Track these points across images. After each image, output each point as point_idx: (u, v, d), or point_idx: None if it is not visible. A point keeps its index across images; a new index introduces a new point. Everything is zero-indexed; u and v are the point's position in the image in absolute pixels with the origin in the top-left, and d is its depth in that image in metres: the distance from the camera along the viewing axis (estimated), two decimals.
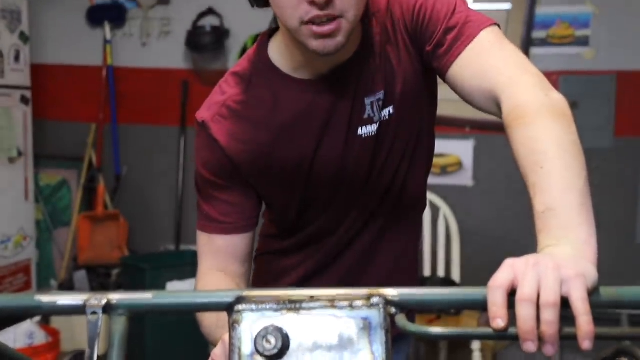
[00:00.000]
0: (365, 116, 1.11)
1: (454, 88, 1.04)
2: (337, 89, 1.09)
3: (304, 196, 1.16)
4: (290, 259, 1.27)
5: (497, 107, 0.96)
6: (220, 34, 3.61)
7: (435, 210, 3.04)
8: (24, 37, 3.50)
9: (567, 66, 3.40)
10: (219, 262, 1.15)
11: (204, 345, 3.62)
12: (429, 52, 1.06)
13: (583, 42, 3.38)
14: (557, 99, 0.92)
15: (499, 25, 1.05)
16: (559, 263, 0.67)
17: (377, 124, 1.12)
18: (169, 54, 3.77)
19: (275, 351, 0.70)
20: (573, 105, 3.36)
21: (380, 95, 1.10)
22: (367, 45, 1.10)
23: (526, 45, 3.37)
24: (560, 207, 0.77)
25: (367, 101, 1.10)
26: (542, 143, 0.84)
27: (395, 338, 1.13)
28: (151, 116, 3.87)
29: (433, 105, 1.22)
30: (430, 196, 2.94)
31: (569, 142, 0.85)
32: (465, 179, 3.45)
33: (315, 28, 0.96)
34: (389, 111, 1.12)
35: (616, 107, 3.38)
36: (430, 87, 1.16)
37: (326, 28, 0.96)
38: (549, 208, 0.77)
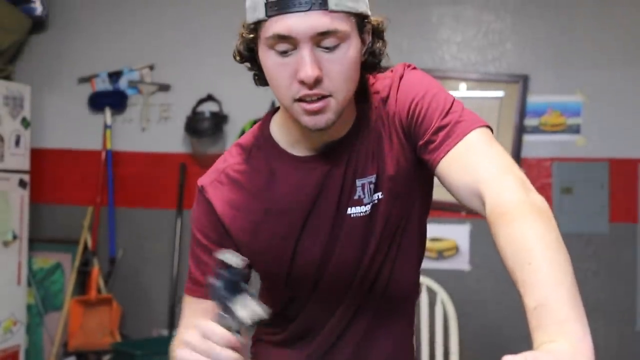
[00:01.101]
0: (356, 197, 1.14)
1: (442, 182, 1.08)
2: (329, 166, 1.13)
3: (289, 274, 1.17)
4: (284, 350, 1.26)
5: (481, 204, 0.99)
6: (219, 119, 3.68)
7: (432, 295, 3.01)
8: (25, 123, 3.56)
9: (560, 153, 3.46)
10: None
11: None
12: (421, 146, 1.10)
13: (574, 129, 3.45)
14: (538, 198, 0.94)
15: (490, 128, 1.09)
16: None
17: (368, 206, 1.14)
18: (167, 138, 3.83)
19: None
20: (567, 191, 3.42)
21: (372, 178, 1.14)
22: (362, 126, 1.15)
23: (519, 132, 3.43)
24: (553, 302, 0.78)
25: (359, 182, 1.14)
26: (527, 241, 0.86)
27: None
28: (148, 199, 3.88)
29: (427, 195, 1.24)
30: (427, 281, 2.92)
31: (552, 239, 0.86)
32: (462, 263, 3.44)
33: (305, 105, 1.02)
34: (379, 196, 1.15)
35: (610, 194, 3.41)
36: (424, 177, 1.20)
37: (315, 105, 1.02)
38: (541, 304, 0.78)
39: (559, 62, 3.46)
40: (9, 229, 3.45)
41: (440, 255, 3.43)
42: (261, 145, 1.18)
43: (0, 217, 3.40)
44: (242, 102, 3.67)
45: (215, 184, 1.18)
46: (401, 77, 1.15)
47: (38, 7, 3.81)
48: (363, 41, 1.07)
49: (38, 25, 3.89)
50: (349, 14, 1.01)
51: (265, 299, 1.29)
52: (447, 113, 1.08)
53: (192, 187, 3.77)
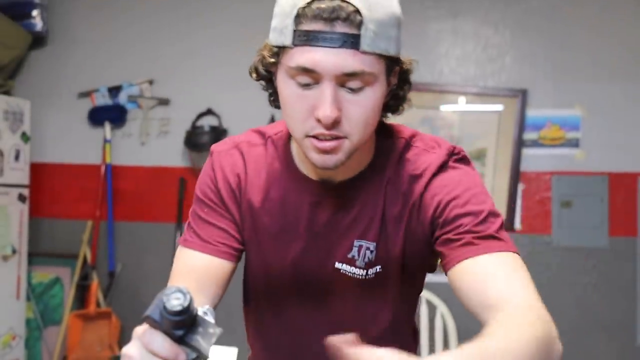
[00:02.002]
0: (349, 256, 1.10)
1: (451, 284, 1.01)
2: (330, 204, 1.10)
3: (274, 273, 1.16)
4: None
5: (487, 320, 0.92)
6: (218, 133, 3.69)
7: (432, 309, 3.00)
8: (25, 137, 3.56)
9: (559, 167, 3.46)
10: (189, 286, 1.06)
11: None
12: (441, 239, 1.04)
13: (574, 143, 3.45)
14: (552, 329, 0.86)
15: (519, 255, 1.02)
16: None
17: (361, 271, 1.10)
18: (167, 152, 3.83)
19: None
20: (567, 205, 3.42)
21: (371, 246, 1.09)
22: (376, 177, 1.09)
23: (518, 146, 3.44)
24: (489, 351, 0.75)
25: (357, 243, 1.10)
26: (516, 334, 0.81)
27: None
28: (148, 213, 3.87)
29: (432, 267, 1.20)
30: (427, 295, 2.91)
31: (534, 346, 0.80)
32: None
33: (317, 143, 0.97)
34: (377, 269, 1.11)
35: (609, 207, 3.41)
36: (430, 259, 1.14)
37: (327, 144, 0.96)
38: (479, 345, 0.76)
39: (558, 76, 3.48)
40: (8, 243, 3.44)
41: (440, 268, 3.42)
42: (278, 145, 1.14)
43: (0, 232, 3.40)
44: (242, 116, 3.68)
45: (225, 153, 1.16)
46: (443, 165, 1.07)
47: (38, 23, 3.83)
48: (388, 83, 1.01)
49: (38, 40, 3.91)
50: (380, 56, 0.95)
51: (253, 325, 1.28)
52: (483, 221, 1.01)
53: (191, 201, 3.77)
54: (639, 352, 3.31)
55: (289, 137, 1.14)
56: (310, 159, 1.00)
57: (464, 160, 1.10)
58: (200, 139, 3.69)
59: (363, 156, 1.08)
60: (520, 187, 3.45)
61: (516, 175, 3.43)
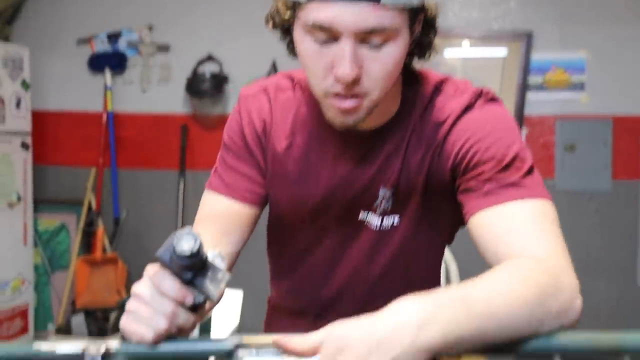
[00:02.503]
0: (372, 206, 1.08)
1: (471, 234, 0.97)
2: (355, 154, 1.07)
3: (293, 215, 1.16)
4: (297, 320, 1.25)
5: None
6: (220, 80, 3.66)
7: None
8: (25, 85, 3.54)
9: (564, 110, 3.44)
10: (214, 230, 1.09)
11: None
12: (462, 188, 1.00)
13: (578, 87, 3.43)
14: (561, 280, 0.80)
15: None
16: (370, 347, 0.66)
17: (382, 222, 1.09)
18: (168, 99, 3.82)
19: None
20: (570, 149, 3.41)
21: (391, 195, 1.07)
22: (402, 126, 1.06)
23: (522, 90, 3.41)
24: (457, 290, 0.72)
25: (381, 193, 1.07)
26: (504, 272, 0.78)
27: None
28: (150, 160, 3.89)
29: (453, 229, 1.17)
30: None
31: (525, 293, 0.74)
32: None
33: (337, 102, 0.93)
34: (396, 220, 1.09)
35: (613, 151, 3.41)
36: (454, 213, 1.07)
37: (347, 104, 0.93)
38: (453, 287, 0.73)
39: (563, 19, 3.42)
40: (13, 191, 3.47)
41: None
42: (306, 90, 1.11)
43: (4, 179, 3.42)
44: (243, 62, 3.64)
45: (253, 97, 1.14)
46: (468, 107, 1.02)
47: None
48: (412, 32, 0.94)
49: None
50: (403, 8, 0.88)
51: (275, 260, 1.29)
52: (506, 167, 0.95)
53: (194, 148, 3.77)
54: (639, 292, 3.36)
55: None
56: (329, 118, 0.97)
57: (492, 100, 1.04)
58: (201, 86, 3.66)
59: (389, 106, 1.04)
60: (524, 132, 3.44)
61: (520, 120, 3.42)
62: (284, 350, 0.71)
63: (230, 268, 1.09)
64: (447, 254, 3.00)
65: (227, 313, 3.40)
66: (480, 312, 0.70)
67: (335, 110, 0.95)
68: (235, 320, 3.42)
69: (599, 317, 3.32)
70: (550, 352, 0.73)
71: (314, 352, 0.68)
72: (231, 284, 1.08)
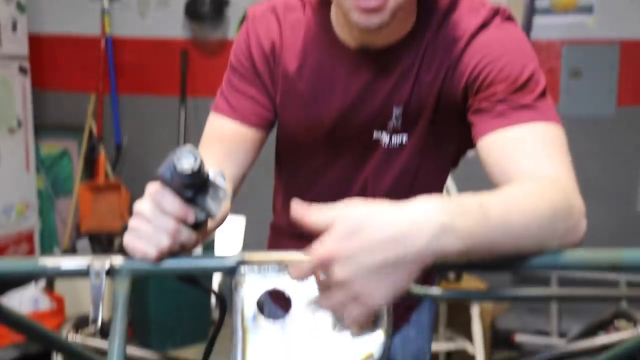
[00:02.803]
0: (385, 124, 1.07)
1: (479, 155, 0.96)
2: (368, 72, 1.05)
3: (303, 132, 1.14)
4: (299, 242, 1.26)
5: None
6: (220, 3, 3.57)
7: None
8: (20, 7, 3.46)
9: (571, 35, 3.37)
10: (219, 152, 1.09)
11: (206, 306, 3.66)
12: (474, 108, 0.98)
13: (587, 10, 3.35)
14: (571, 201, 0.80)
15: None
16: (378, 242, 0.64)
17: (392, 140, 1.08)
18: (167, 23, 3.74)
19: None
20: (576, 74, 3.37)
21: (401, 113, 1.06)
22: (416, 43, 1.03)
23: (529, 13, 3.33)
24: (478, 198, 0.70)
25: (395, 111, 1.05)
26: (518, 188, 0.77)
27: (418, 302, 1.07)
28: (151, 86, 3.85)
29: (459, 153, 1.16)
30: None
31: (541, 205, 0.74)
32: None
33: (362, 2, 0.91)
34: (405, 138, 1.08)
35: (619, 77, 3.36)
36: (463, 134, 1.06)
37: (372, 2, 0.91)
38: (473, 196, 0.70)
39: None
40: (13, 116, 3.46)
41: None
42: (317, 10, 1.08)
43: (3, 104, 3.40)
44: None
45: (260, 17, 1.11)
46: (484, 25, 0.99)
47: None
48: None
49: None
50: None
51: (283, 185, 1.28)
52: (519, 88, 0.94)
53: (194, 74, 3.73)
54: (638, 217, 3.40)
55: (328, 0, 1.08)
56: (351, 19, 0.94)
57: (509, 19, 1.01)
58: (201, 9, 3.58)
59: (404, 22, 1.02)
60: None
61: None
62: (294, 214, 0.69)
63: (235, 191, 1.10)
64: (449, 181, 3.01)
65: (230, 238, 3.45)
66: (496, 223, 0.69)
67: (358, 10, 0.92)
68: (238, 245, 3.47)
69: (598, 243, 3.35)
70: (551, 268, 0.73)
71: (324, 228, 0.66)
72: (234, 210, 1.09)
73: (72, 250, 3.67)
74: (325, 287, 0.68)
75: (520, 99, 0.93)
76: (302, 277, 0.67)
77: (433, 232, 0.64)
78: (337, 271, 0.65)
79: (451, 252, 0.66)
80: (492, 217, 0.69)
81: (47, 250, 3.81)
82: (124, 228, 0.78)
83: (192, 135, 3.66)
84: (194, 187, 0.75)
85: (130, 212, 3.85)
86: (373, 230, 0.64)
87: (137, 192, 3.84)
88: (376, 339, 0.72)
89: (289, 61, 1.09)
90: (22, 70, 3.49)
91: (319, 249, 0.65)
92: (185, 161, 0.72)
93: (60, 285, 3.30)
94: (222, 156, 1.08)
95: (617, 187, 3.39)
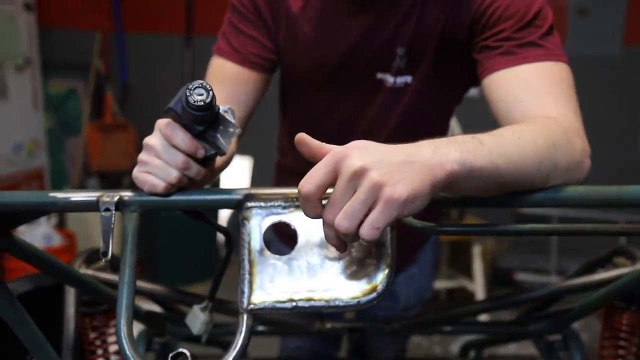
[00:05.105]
0: (388, 66, 1.07)
1: (485, 93, 0.95)
2: (371, 12, 1.04)
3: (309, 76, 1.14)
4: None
5: None
6: None
7: None
8: None
9: None
10: (223, 95, 1.07)
11: (214, 244, 3.69)
12: (479, 46, 0.97)
13: None
14: (576, 140, 0.79)
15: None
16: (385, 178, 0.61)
17: (396, 80, 1.08)
18: None
19: None
20: (584, 12, 3.30)
21: (402, 51, 1.05)
22: None
23: None
24: (479, 137, 0.69)
25: (399, 51, 1.04)
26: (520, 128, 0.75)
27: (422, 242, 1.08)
28: (157, 24, 3.80)
29: (462, 91, 1.15)
30: None
31: (541, 141, 0.73)
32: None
33: None
34: (407, 79, 1.08)
35: (627, 16, 3.30)
36: (467, 72, 1.04)
37: None
38: (475, 136, 0.69)
39: None
40: (20, 54, 3.44)
41: None
42: None
43: (9, 41, 3.38)
44: None
45: None
46: None
47: None
48: None
49: None
50: None
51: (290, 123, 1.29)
52: (526, 25, 0.92)
53: (201, 13, 3.68)
54: (638, 156, 3.39)
55: None
56: None
57: None
58: None
59: None
60: None
61: None
62: (298, 143, 0.68)
63: (240, 134, 1.10)
64: (452, 122, 2.99)
65: (236, 179, 3.47)
66: (492, 149, 0.67)
67: None
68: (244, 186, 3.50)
69: (599, 182, 3.36)
70: (553, 205, 0.73)
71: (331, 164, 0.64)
72: (240, 151, 1.09)
73: (81, 188, 3.71)
74: (337, 195, 0.63)
75: (527, 36, 0.92)
76: (313, 189, 0.64)
77: (436, 145, 0.64)
78: (354, 161, 0.62)
79: (455, 163, 0.63)
80: (489, 144, 0.68)
81: (57, 188, 3.86)
82: (132, 166, 0.78)
83: (199, 74, 3.64)
84: (205, 121, 0.75)
85: (137, 152, 3.88)
86: (379, 146, 0.64)
87: (145, 132, 3.82)
88: (380, 272, 0.73)
89: (293, 1, 1.08)
90: (27, 6, 3.45)
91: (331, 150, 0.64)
92: (197, 95, 0.71)
93: (71, 223, 3.36)
94: (225, 99, 1.07)
95: (618, 127, 3.38)
